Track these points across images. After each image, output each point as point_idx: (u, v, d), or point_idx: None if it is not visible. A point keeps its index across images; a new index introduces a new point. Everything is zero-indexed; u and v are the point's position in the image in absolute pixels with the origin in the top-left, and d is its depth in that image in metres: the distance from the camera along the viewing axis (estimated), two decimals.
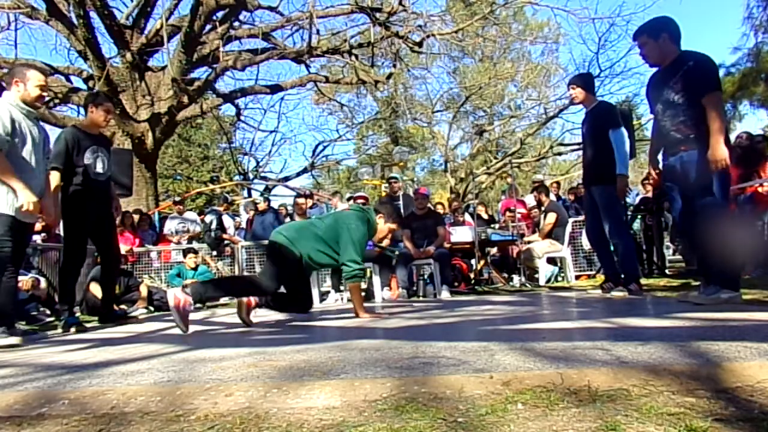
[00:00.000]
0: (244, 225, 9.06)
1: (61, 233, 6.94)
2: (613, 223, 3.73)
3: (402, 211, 6.73)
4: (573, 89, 3.96)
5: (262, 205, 8.17)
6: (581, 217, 7.17)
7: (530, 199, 8.50)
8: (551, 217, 6.49)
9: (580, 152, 18.06)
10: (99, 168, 3.78)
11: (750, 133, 6.03)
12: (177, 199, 9.07)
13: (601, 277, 6.61)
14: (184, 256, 6.78)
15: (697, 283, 3.29)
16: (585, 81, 4.05)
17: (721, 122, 2.69)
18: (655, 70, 3.15)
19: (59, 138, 3.73)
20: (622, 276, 3.83)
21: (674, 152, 2.96)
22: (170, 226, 8.12)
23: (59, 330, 3.74)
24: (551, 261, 6.83)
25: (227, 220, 8.39)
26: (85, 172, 3.69)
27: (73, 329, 3.67)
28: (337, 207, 8.54)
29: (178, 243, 7.85)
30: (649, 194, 6.62)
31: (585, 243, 7.04)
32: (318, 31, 9.99)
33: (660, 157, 3.22)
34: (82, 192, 3.67)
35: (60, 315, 3.97)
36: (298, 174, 20.94)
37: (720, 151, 2.66)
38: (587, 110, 3.93)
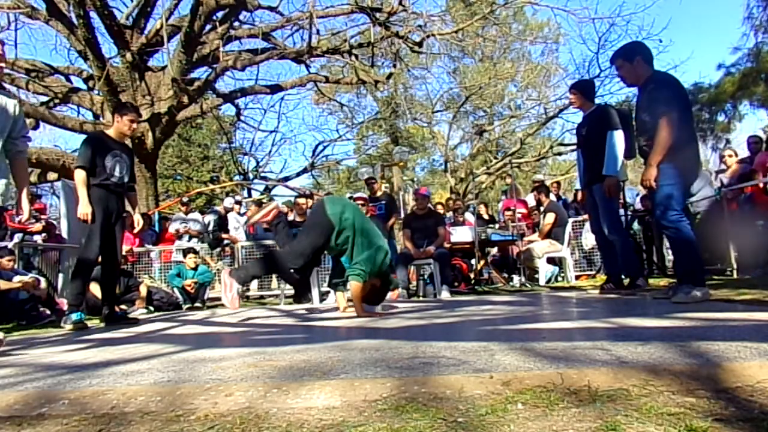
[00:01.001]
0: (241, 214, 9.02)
1: (63, 234, 6.98)
2: (611, 220, 3.88)
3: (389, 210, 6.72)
4: (573, 95, 4.22)
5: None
6: (581, 217, 7.18)
7: (531, 199, 8.50)
8: (550, 218, 6.50)
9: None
10: (117, 172, 4.03)
11: None
12: (185, 200, 9.07)
13: (601, 278, 6.62)
14: (184, 256, 6.78)
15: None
16: (583, 87, 4.28)
17: (663, 145, 2.92)
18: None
19: (85, 140, 4.07)
20: (623, 275, 3.92)
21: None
22: (175, 225, 8.13)
23: (68, 328, 3.81)
24: (551, 261, 6.83)
25: (234, 221, 8.37)
26: (102, 173, 3.94)
27: (72, 326, 3.76)
28: None
29: (185, 233, 7.84)
30: None
31: (585, 243, 7.05)
32: (318, 31, 9.98)
33: None
34: (98, 192, 3.92)
35: (64, 316, 4.03)
36: (298, 174, 20.94)
37: (648, 172, 2.97)
38: (585, 114, 4.12)
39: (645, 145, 3.17)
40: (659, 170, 2.97)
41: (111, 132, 4.18)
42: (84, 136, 4.21)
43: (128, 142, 4.44)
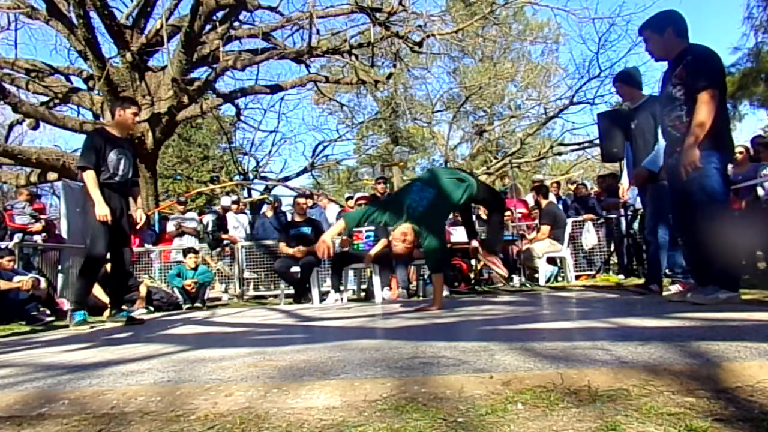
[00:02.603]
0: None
1: (63, 234, 6.98)
2: (655, 223, 3.69)
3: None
4: (618, 87, 3.92)
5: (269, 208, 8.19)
6: (581, 217, 7.18)
7: (531, 199, 8.50)
8: (545, 230, 6.49)
9: (581, 152, 17.90)
10: (121, 169, 3.98)
11: None
12: (182, 199, 9.08)
13: (601, 277, 6.62)
14: (184, 256, 6.78)
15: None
16: (627, 77, 3.90)
17: (704, 121, 2.57)
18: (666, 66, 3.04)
19: (88, 139, 3.99)
20: (646, 273, 3.83)
21: (671, 152, 2.92)
22: (172, 225, 8.13)
23: (72, 326, 3.82)
24: (551, 261, 6.83)
25: (233, 220, 8.38)
26: (106, 172, 3.90)
27: (76, 325, 3.77)
28: (326, 207, 8.54)
29: (180, 235, 7.84)
30: None
31: (585, 243, 7.04)
32: (318, 31, 10.00)
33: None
34: (104, 191, 3.86)
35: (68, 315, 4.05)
36: (298, 174, 20.91)
37: (689, 155, 2.57)
38: (635, 106, 3.79)
39: (671, 126, 2.85)
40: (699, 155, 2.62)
41: (112, 128, 4.12)
42: (85, 135, 4.17)
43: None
